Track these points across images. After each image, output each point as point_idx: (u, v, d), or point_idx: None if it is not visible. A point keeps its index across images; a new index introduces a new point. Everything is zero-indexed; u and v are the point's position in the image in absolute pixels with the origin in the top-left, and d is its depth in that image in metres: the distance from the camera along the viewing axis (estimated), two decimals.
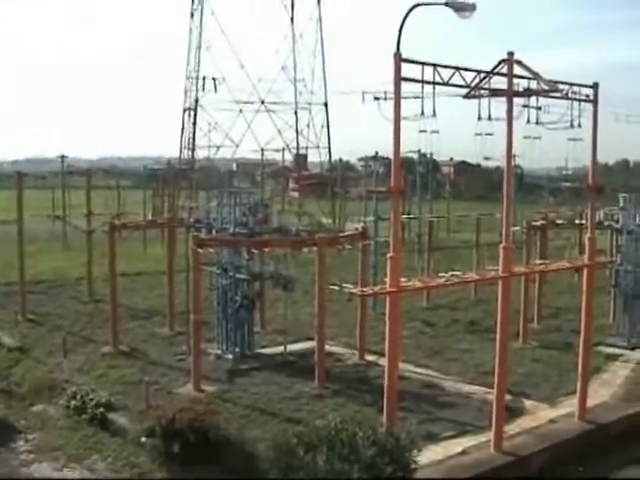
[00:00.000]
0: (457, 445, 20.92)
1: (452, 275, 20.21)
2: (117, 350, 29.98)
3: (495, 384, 20.57)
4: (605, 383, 27.11)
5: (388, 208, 41.37)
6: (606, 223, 34.84)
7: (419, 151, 42.06)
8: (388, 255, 18.15)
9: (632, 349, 31.68)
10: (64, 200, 60.61)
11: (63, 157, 62.96)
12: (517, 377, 26.22)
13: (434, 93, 18.38)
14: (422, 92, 18.23)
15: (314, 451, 15.52)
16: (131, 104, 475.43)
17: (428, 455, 19.36)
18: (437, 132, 20.04)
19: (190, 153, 77.07)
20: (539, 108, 21.42)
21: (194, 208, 42.59)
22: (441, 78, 18.15)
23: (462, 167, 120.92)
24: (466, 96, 19.40)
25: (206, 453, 19.00)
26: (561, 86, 20.79)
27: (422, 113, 18.57)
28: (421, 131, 19.68)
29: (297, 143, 76.23)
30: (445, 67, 18.24)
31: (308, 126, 76.66)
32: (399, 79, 17.21)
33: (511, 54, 19.08)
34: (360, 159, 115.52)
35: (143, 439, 20.15)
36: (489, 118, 20.06)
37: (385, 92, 22.19)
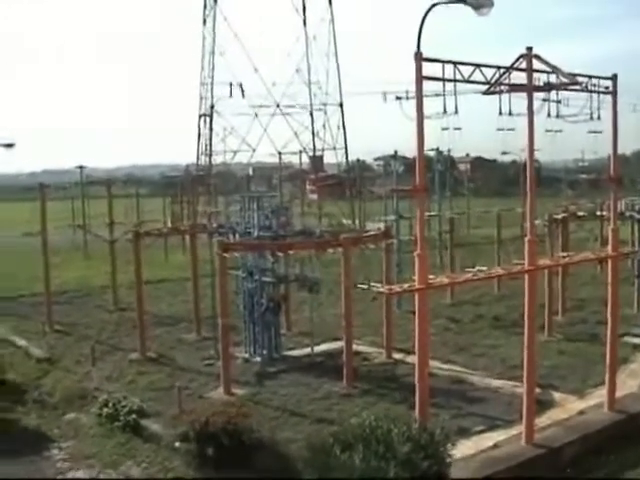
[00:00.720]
0: (488, 439, 21.05)
1: (478, 270, 20.32)
2: (145, 357, 30.22)
3: (524, 377, 20.65)
4: (633, 373, 27.11)
5: (407, 207, 41.89)
6: (627, 214, 34.80)
7: (437, 149, 42.13)
8: (415, 253, 18.26)
9: None
10: (84, 210, 60.96)
11: (82, 167, 63.33)
12: (544, 370, 26.15)
13: (455, 90, 18.47)
14: (444, 90, 18.31)
15: (350, 450, 15.60)
16: (145, 110, 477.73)
17: (461, 450, 19.40)
18: (459, 129, 20.06)
19: (207, 159, 77.14)
20: (559, 102, 21.45)
21: (214, 213, 42.67)
22: (462, 75, 18.25)
23: (478, 163, 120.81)
24: (486, 92, 19.51)
25: (240, 455, 19.15)
26: (580, 79, 20.86)
27: (445, 111, 18.62)
28: (444, 129, 19.68)
29: (314, 145, 76.13)
30: (465, 64, 18.34)
31: (324, 127, 76.55)
32: (421, 78, 17.32)
33: (530, 49, 19.15)
34: (376, 159, 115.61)
35: (177, 444, 20.32)
36: (510, 113, 20.15)
37: (407, 91, 22.23)
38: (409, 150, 17.35)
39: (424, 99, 17.52)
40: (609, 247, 23.52)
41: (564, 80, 20.14)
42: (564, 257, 26.09)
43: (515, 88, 19.68)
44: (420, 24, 17.37)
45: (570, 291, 38.13)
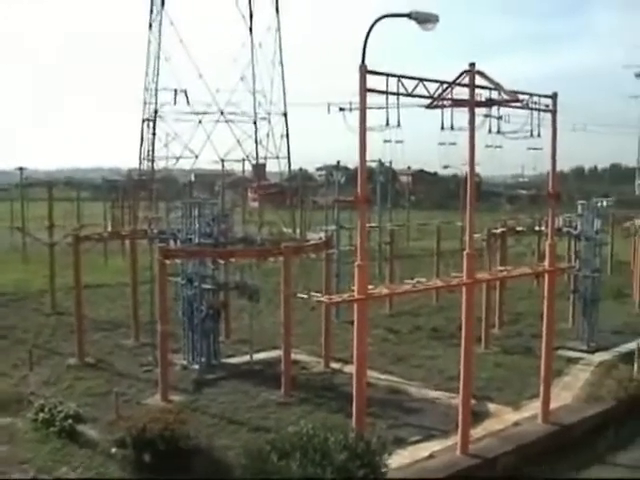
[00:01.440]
0: (424, 449, 21.23)
1: (417, 282, 20.54)
2: (83, 362, 29.92)
3: (461, 388, 20.94)
4: (567, 386, 27.63)
5: (348, 217, 42.08)
6: (565, 230, 35.39)
7: (379, 160, 42.37)
8: (355, 263, 18.42)
9: (592, 352, 32.29)
10: (23, 212, 60.23)
11: (22, 169, 62.56)
12: (481, 382, 26.54)
13: (398, 104, 18.67)
14: (387, 103, 18.50)
15: (287, 458, 15.72)
16: (85, 114, 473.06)
17: (397, 459, 19.63)
18: (401, 142, 20.28)
19: (149, 164, 76.73)
20: (500, 118, 21.85)
21: (155, 219, 42.41)
22: (405, 89, 18.48)
23: (420, 176, 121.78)
24: (429, 106, 19.77)
25: (177, 462, 19.11)
26: (521, 96, 21.25)
27: (387, 124, 18.79)
28: (386, 141, 19.90)
29: (256, 153, 76.15)
30: (409, 78, 18.58)
31: (268, 136, 76.64)
32: (364, 90, 17.49)
33: (472, 65, 19.46)
34: (319, 168, 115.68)
35: (113, 450, 20.17)
36: (452, 128, 20.45)
37: (350, 103, 22.35)
38: (351, 161, 17.49)
39: (367, 111, 17.69)
40: (546, 262, 23.95)
41: (505, 97, 20.50)
42: (502, 271, 26.46)
43: (457, 103, 19.97)
44: (365, 37, 17.54)
45: (507, 305, 38.65)
